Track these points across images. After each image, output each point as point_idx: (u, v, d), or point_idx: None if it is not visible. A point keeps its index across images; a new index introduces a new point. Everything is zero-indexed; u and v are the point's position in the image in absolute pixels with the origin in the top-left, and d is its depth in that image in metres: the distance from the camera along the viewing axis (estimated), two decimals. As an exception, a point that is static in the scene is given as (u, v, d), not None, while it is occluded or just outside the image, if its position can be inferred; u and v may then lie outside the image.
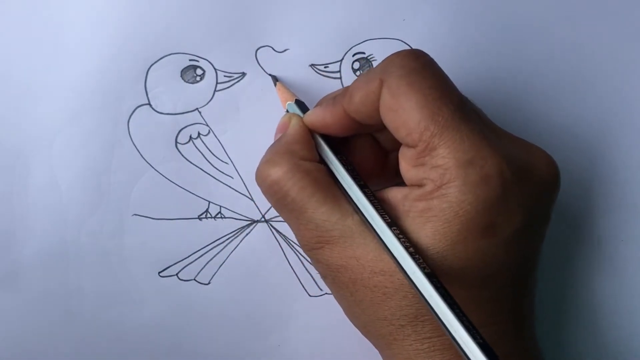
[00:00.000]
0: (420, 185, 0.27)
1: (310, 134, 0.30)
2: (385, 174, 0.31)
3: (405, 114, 0.26)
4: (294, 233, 0.29)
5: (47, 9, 0.33)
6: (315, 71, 0.34)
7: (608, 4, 0.35)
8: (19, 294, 0.34)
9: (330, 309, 0.35)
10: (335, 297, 0.30)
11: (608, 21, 0.35)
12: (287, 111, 0.32)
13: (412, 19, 0.34)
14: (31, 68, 0.33)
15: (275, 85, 0.33)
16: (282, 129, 0.31)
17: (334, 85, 0.34)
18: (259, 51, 0.34)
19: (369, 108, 0.28)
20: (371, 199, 0.27)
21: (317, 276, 0.35)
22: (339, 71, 0.34)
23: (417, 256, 0.25)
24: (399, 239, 0.25)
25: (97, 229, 0.34)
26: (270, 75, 0.34)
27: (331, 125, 0.29)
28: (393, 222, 0.26)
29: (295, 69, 0.34)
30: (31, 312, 0.34)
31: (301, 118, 0.30)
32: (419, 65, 0.27)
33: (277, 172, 0.28)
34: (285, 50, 0.34)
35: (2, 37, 0.33)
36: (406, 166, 0.27)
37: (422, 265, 0.25)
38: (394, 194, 0.28)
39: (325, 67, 0.34)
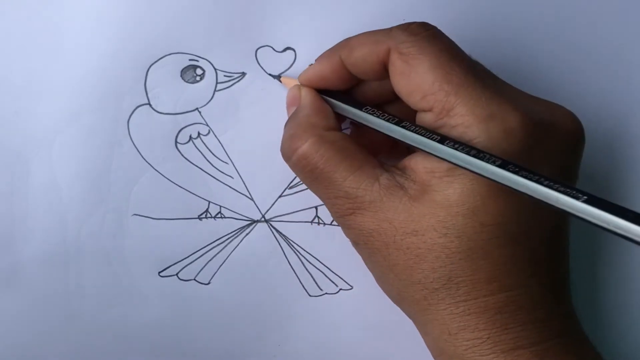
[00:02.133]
0: None
1: (323, 100, 0.30)
2: (396, 150, 0.32)
3: (418, 77, 0.26)
4: (324, 203, 0.30)
5: (47, 9, 0.33)
6: (316, 71, 0.34)
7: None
8: (19, 294, 0.34)
9: (330, 309, 0.35)
10: (369, 266, 0.30)
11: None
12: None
13: (412, 19, 0.34)
14: (31, 68, 0.33)
15: (280, 81, 0.33)
16: (294, 101, 0.31)
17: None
18: (259, 51, 0.34)
19: (368, 66, 0.28)
20: (417, 129, 0.27)
21: (317, 276, 0.35)
22: None
23: (509, 166, 0.24)
24: (471, 153, 0.25)
25: (97, 229, 0.34)
26: (272, 75, 0.34)
27: (329, 77, 0.30)
28: (455, 141, 0.26)
29: (295, 69, 0.33)
30: (31, 312, 0.34)
31: (310, 89, 0.31)
32: (428, 34, 0.27)
33: (303, 147, 0.28)
34: (285, 50, 0.34)
35: (2, 37, 0.33)
36: None
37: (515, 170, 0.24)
38: (415, 161, 0.28)
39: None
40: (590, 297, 0.35)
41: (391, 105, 0.31)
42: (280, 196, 0.34)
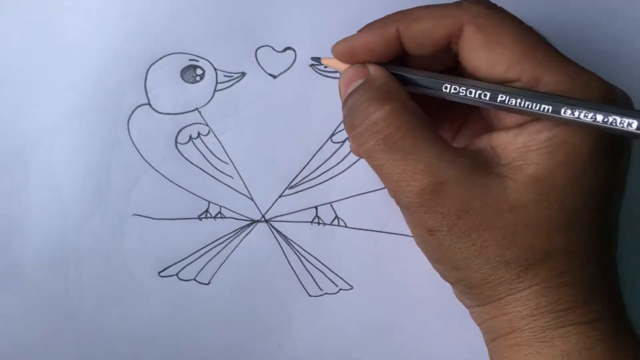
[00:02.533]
0: (534, 120, 0.26)
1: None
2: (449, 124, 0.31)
3: (503, 48, 0.26)
4: (393, 180, 0.26)
5: (47, 9, 0.33)
6: (315, 71, 0.34)
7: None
8: (19, 294, 0.34)
9: (330, 309, 0.35)
10: (446, 255, 0.27)
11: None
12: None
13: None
14: (31, 68, 0.33)
15: (320, 62, 0.31)
16: (361, 75, 0.28)
17: (334, 85, 0.34)
18: (259, 51, 0.34)
19: (429, 40, 0.27)
20: (505, 90, 0.26)
21: (317, 276, 0.35)
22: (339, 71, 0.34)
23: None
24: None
25: (97, 229, 0.34)
26: (313, 59, 0.33)
27: (374, 48, 0.28)
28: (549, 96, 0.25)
29: (295, 69, 0.33)
30: (31, 312, 0.34)
31: (377, 65, 0.28)
32: (498, 9, 0.27)
33: (385, 109, 0.26)
34: (285, 50, 0.34)
35: (1, 37, 0.33)
36: None
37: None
38: (498, 138, 0.27)
39: (325, 67, 0.34)
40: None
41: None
42: (280, 196, 0.34)
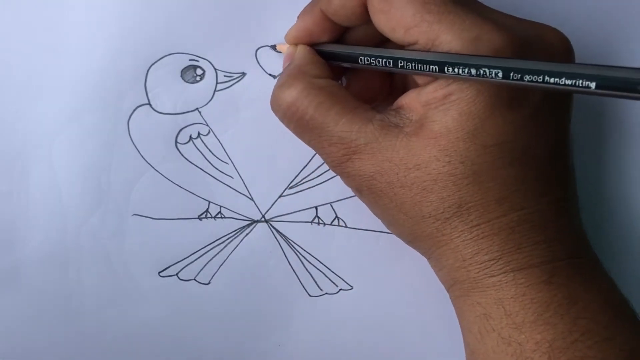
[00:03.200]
0: (433, 80, 0.27)
1: (317, 54, 0.30)
2: (390, 97, 0.32)
3: (397, 11, 0.26)
4: (319, 153, 0.29)
5: (47, 9, 0.33)
6: (315, 71, 0.34)
7: None
8: (19, 294, 0.34)
9: (330, 309, 0.35)
10: (377, 212, 0.29)
11: None
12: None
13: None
14: (31, 68, 0.33)
15: (276, 49, 0.33)
16: (289, 58, 0.31)
17: (334, 85, 0.34)
18: (259, 51, 0.34)
19: (349, 12, 0.28)
20: (414, 55, 0.27)
21: (317, 276, 0.35)
22: None
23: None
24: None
25: (97, 229, 0.34)
26: (269, 46, 0.34)
27: (313, 31, 0.30)
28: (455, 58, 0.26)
29: (296, 69, 0.33)
30: (31, 311, 0.34)
31: (306, 45, 0.31)
32: None
33: (292, 93, 0.28)
34: (285, 50, 0.34)
35: (2, 37, 0.33)
36: None
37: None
38: (409, 97, 0.28)
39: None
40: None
41: (383, 46, 0.30)
42: (280, 196, 0.34)
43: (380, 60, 0.28)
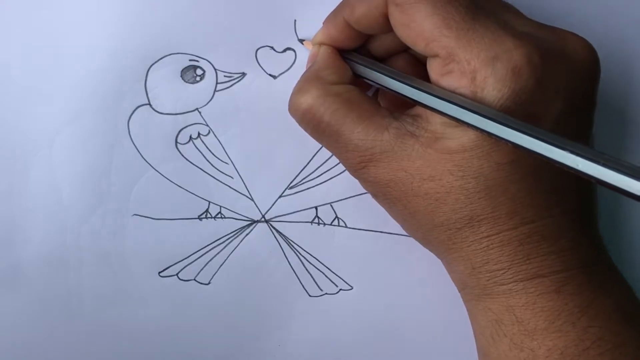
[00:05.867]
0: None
1: (341, 58, 0.30)
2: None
3: (417, 26, 0.26)
4: (337, 157, 0.30)
5: (47, 9, 0.33)
6: (316, 71, 0.34)
7: None
8: (19, 294, 0.34)
9: (330, 309, 0.35)
10: (392, 215, 0.30)
11: None
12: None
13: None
14: (31, 68, 0.33)
15: (303, 44, 0.33)
16: (312, 59, 0.31)
17: (334, 85, 0.34)
18: (259, 51, 0.34)
19: (370, 22, 0.29)
20: (422, 88, 0.27)
21: (317, 276, 0.35)
22: None
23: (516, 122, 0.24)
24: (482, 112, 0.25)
25: (97, 229, 0.34)
26: (300, 40, 0.33)
27: (337, 38, 0.30)
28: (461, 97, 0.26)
29: (296, 69, 0.33)
30: (31, 312, 0.34)
31: (329, 46, 0.31)
32: None
33: (308, 100, 0.29)
34: (285, 51, 0.34)
35: (1, 37, 0.33)
36: (436, 78, 0.27)
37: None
38: (430, 112, 0.27)
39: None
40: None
41: (405, 54, 0.31)
42: (280, 196, 0.34)
43: (399, 93, 0.28)
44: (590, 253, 0.28)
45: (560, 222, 0.27)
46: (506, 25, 0.26)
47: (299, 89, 0.29)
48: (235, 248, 0.34)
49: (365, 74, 0.30)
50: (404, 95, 0.28)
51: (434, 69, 0.27)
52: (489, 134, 0.25)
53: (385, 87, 0.29)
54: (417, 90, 0.27)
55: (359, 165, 0.28)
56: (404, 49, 0.30)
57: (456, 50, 0.26)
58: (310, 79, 0.29)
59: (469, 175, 0.26)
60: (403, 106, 0.31)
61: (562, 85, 0.26)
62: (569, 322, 0.26)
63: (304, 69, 0.33)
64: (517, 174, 0.26)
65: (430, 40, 0.26)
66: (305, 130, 0.30)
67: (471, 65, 0.26)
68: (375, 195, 0.30)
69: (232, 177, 0.34)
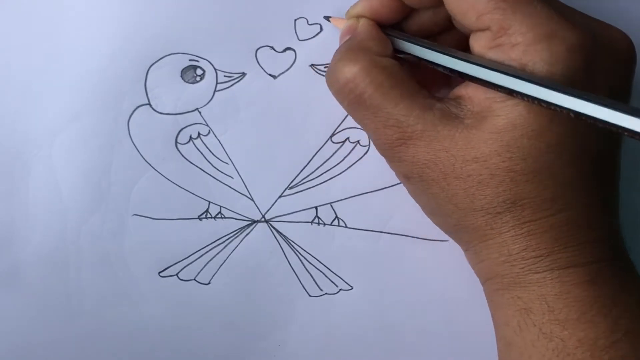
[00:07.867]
0: None
1: (382, 31, 0.30)
2: (449, 86, 0.31)
3: None
4: (369, 133, 0.29)
5: (47, 9, 0.33)
6: (315, 71, 0.34)
7: None
8: (19, 294, 0.34)
9: (330, 309, 0.35)
10: (422, 199, 0.29)
11: None
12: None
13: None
14: (31, 68, 0.33)
15: (329, 20, 0.33)
16: (349, 31, 0.30)
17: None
18: (259, 51, 0.34)
19: None
20: (473, 60, 0.26)
21: (317, 276, 0.35)
22: None
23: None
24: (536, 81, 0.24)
25: (97, 229, 0.34)
26: (325, 17, 0.33)
27: (378, 9, 0.29)
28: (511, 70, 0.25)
29: (295, 69, 0.33)
30: (31, 312, 0.34)
31: (369, 19, 0.30)
32: None
33: (352, 70, 0.28)
34: (285, 51, 0.34)
35: (2, 37, 0.33)
36: (483, 52, 0.27)
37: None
38: (471, 88, 0.27)
39: (325, 67, 0.34)
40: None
41: (446, 34, 0.30)
42: (280, 196, 0.34)
43: (439, 58, 0.27)
44: (617, 246, 0.28)
45: (597, 211, 0.27)
46: (558, 8, 0.26)
47: (341, 58, 0.28)
48: (235, 248, 0.34)
49: (409, 49, 0.29)
50: (451, 71, 0.27)
51: (481, 43, 0.27)
52: (548, 104, 0.24)
53: (431, 62, 0.28)
54: (467, 63, 0.26)
55: (396, 142, 0.27)
56: (444, 28, 0.30)
57: (510, 23, 0.25)
58: (354, 48, 0.28)
59: (517, 156, 0.26)
60: (439, 89, 0.31)
61: (607, 72, 0.26)
62: (600, 313, 0.26)
63: (305, 68, 0.34)
64: (564, 158, 0.26)
65: (483, 12, 0.26)
66: (341, 102, 0.29)
67: (526, 37, 0.25)
68: (407, 177, 0.29)
69: (232, 177, 0.34)
